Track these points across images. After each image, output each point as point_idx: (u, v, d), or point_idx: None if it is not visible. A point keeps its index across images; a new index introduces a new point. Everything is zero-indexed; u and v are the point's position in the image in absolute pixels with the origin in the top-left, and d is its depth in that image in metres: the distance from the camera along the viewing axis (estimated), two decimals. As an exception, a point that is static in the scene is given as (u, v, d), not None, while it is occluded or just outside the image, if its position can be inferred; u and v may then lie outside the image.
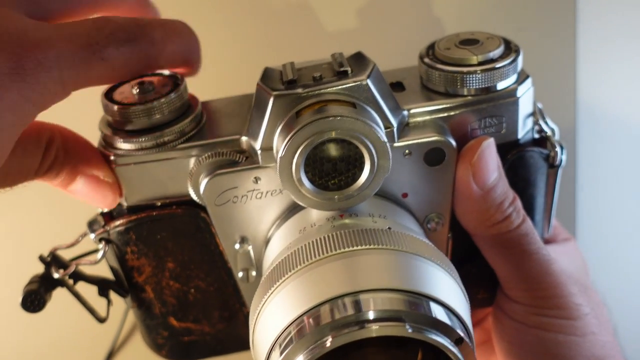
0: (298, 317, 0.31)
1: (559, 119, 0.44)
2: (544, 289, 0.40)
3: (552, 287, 0.40)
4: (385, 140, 0.35)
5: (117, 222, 0.41)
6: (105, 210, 0.42)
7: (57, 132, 0.38)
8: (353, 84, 0.36)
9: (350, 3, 0.52)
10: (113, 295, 0.45)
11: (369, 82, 0.36)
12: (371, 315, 0.30)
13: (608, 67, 0.55)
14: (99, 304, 0.45)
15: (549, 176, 0.44)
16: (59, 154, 0.38)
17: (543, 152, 0.43)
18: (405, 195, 0.40)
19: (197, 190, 0.39)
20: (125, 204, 0.41)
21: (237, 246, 0.41)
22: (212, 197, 0.39)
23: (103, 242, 0.42)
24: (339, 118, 0.34)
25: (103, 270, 0.44)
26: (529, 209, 0.44)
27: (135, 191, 0.40)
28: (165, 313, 0.44)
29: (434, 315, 0.31)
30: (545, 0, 0.53)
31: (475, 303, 0.37)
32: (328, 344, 0.30)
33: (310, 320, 0.31)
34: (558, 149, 0.43)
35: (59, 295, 0.51)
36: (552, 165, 0.43)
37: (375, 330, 0.30)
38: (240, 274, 0.42)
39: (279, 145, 0.36)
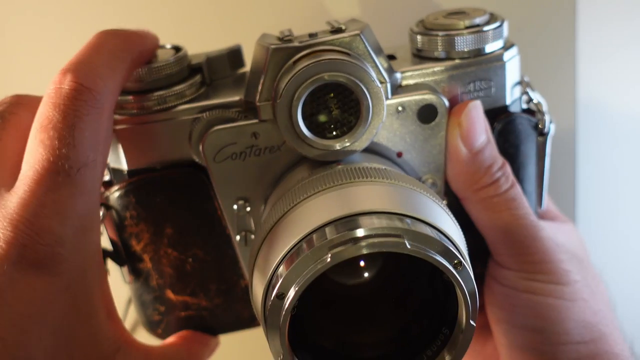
0: (295, 245, 0.31)
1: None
2: (532, 253, 0.40)
3: (540, 252, 0.40)
4: (379, 85, 0.37)
5: (117, 186, 0.41)
6: (106, 178, 0.43)
7: None
8: (348, 37, 0.38)
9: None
10: (113, 289, 0.45)
11: (362, 36, 0.38)
12: (368, 232, 0.30)
13: (607, 66, 0.56)
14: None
15: (538, 146, 0.45)
16: None
17: (532, 119, 0.44)
18: (400, 154, 0.41)
19: (196, 148, 0.40)
20: (125, 169, 0.42)
21: (235, 207, 0.41)
22: (212, 153, 0.40)
23: (102, 208, 0.42)
24: (334, 61, 0.36)
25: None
26: (520, 178, 0.44)
27: (135, 154, 0.41)
28: (163, 285, 0.44)
29: (431, 235, 0.31)
30: (545, 0, 0.55)
31: None
32: (327, 261, 0.30)
33: (305, 244, 0.31)
34: (546, 117, 0.44)
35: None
36: (542, 134, 0.45)
37: (372, 244, 0.30)
38: (238, 237, 0.42)
39: (278, 91, 0.37)
